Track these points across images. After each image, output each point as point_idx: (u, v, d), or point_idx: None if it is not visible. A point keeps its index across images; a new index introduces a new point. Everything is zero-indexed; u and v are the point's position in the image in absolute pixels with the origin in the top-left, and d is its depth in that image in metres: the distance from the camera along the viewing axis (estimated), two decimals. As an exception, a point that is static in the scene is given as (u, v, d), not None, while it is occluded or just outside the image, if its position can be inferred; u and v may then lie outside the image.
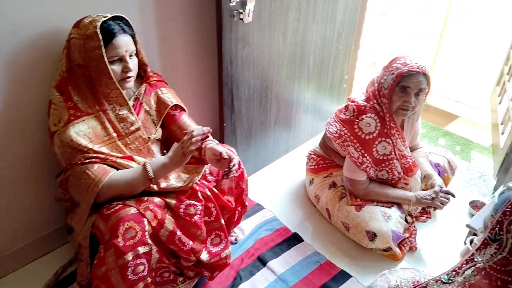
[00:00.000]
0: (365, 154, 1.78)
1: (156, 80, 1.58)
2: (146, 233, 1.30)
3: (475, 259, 0.87)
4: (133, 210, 1.32)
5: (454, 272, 0.92)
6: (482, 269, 0.83)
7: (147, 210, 1.34)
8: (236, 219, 1.66)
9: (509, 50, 2.60)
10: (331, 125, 1.90)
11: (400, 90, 1.69)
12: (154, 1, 1.60)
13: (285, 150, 2.38)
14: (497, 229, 0.84)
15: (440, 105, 3.24)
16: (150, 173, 1.36)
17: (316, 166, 2.04)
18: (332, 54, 2.27)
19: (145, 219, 1.32)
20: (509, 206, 0.80)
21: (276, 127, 2.21)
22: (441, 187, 1.79)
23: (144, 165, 1.37)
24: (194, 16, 1.75)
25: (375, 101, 1.78)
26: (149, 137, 1.51)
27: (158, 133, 1.55)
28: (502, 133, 2.32)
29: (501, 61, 2.69)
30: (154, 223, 1.33)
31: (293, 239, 1.87)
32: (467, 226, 1.79)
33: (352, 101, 1.85)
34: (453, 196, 1.79)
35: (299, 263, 1.75)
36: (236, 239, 1.84)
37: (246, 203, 1.70)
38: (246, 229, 1.91)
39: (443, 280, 0.93)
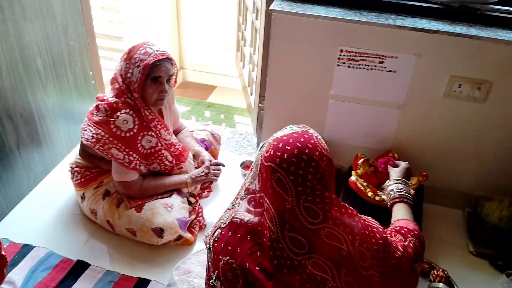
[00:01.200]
0: (131, 153, 1.66)
1: None
2: None
3: (246, 182, 1.10)
4: None
5: (235, 198, 1.12)
6: (248, 188, 1.08)
7: None
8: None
9: (237, 17, 2.83)
10: (85, 130, 1.70)
11: (152, 82, 1.63)
12: None
13: (44, 171, 2.05)
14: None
15: (198, 80, 3.37)
16: None
17: (82, 179, 1.81)
18: (65, 52, 2.02)
19: None
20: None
21: (22, 150, 1.86)
22: (211, 161, 1.84)
23: None
24: None
25: (125, 96, 1.66)
26: None
27: None
28: (251, 94, 2.54)
29: (235, 28, 2.92)
30: None
31: (79, 268, 1.64)
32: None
33: (102, 100, 1.69)
34: (223, 165, 1.87)
35: (91, 292, 1.55)
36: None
37: (3, 253, 1.38)
38: (17, 280, 1.58)
39: (229, 208, 1.12)
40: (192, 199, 1.88)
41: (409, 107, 1.80)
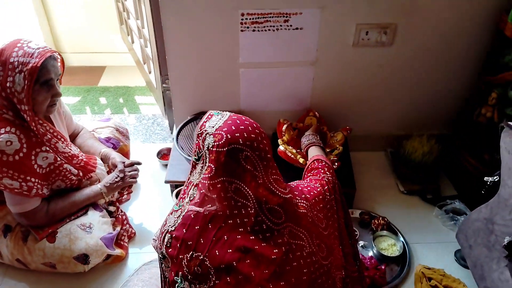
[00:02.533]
0: (28, 177, 1.37)
1: None
2: None
3: (191, 180, 1.06)
4: None
5: (181, 199, 1.07)
6: (198, 183, 1.02)
7: None
8: None
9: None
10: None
11: (42, 87, 1.34)
12: None
13: None
14: (198, 150, 1.02)
15: (83, 62, 2.97)
16: None
17: (-30, 219, 1.49)
18: None
19: None
20: (199, 130, 1.02)
21: None
22: (123, 162, 1.62)
23: None
24: None
25: (4, 110, 1.35)
26: None
27: None
28: (150, 73, 2.29)
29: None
30: None
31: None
32: (166, 182, 1.74)
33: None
34: (139, 163, 1.66)
35: None
36: None
37: None
38: None
39: (175, 209, 1.07)
40: (112, 208, 1.66)
41: (321, 62, 1.73)
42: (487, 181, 1.59)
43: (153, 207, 1.78)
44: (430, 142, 1.80)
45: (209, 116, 1.04)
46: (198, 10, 1.57)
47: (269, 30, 1.63)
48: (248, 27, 1.62)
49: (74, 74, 2.85)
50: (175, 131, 1.78)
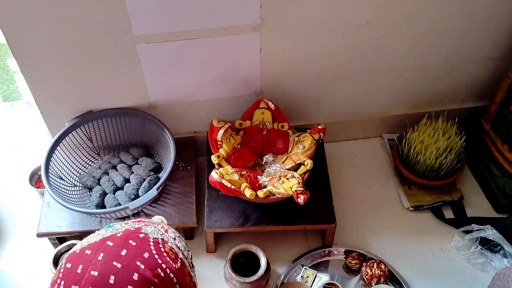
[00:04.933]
0: None
1: None
2: None
3: None
4: None
5: None
6: None
7: None
8: None
9: None
10: None
11: None
12: None
13: None
14: None
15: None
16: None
17: None
18: None
19: None
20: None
21: None
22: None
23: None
24: None
25: None
26: None
27: None
28: None
29: None
30: None
31: None
32: (40, 235, 1.11)
33: None
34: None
35: None
36: None
37: None
38: None
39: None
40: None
41: (270, 24, 1.03)
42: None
43: (27, 274, 1.15)
44: (448, 131, 1.17)
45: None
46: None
47: (172, -24, 0.91)
48: (132, -26, 0.90)
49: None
50: (46, 150, 1.11)
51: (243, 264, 1.07)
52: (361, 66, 1.17)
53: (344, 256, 1.13)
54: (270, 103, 1.15)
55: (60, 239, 1.12)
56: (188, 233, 1.14)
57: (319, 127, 1.12)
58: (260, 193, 1.02)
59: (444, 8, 1.06)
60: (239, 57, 1.11)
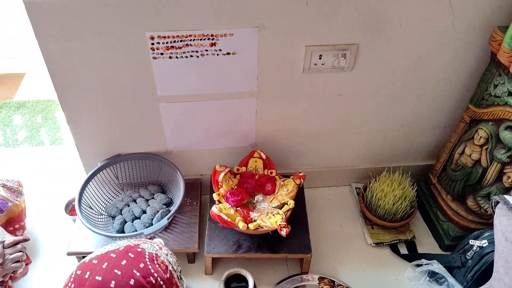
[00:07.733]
0: None
1: None
2: None
3: None
4: None
5: None
6: None
7: None
8: None
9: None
10: None
11: None
12: None
13: None
14: None
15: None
16: None
17: None
18: None
19: None
20: None
21: None
22: (3, 242, 1.21)
23: None
24: None
25: None
26: None
27: None
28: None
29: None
30: None
31: None
32: (70, 254, 1.34)
33: None
34: (26, 240, 1.25)
35: None
36: None
37: None
38: None
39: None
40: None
41: (265, 92, 1.34)
42: (473, 245, 1.28)
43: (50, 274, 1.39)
44: (403, 183, 1.46)
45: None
46: (88, 36, 1.13)
47: (191, 56, 1.22)
48: (162, 54, 1.20)
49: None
50: (80, 184, 1.37)
51: (235, 286, 1.30)
52: (335, 128, 1.48)
53: (318, 282, 1.38)
54: (262, 154, 1.43)
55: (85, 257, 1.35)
56: (190, 257, 1.39)
57: (300, 174, 1.40)
58: (251, 226, 1.28)
59: (401, 88, 1.37)
60: (239, 116, 1.41)
